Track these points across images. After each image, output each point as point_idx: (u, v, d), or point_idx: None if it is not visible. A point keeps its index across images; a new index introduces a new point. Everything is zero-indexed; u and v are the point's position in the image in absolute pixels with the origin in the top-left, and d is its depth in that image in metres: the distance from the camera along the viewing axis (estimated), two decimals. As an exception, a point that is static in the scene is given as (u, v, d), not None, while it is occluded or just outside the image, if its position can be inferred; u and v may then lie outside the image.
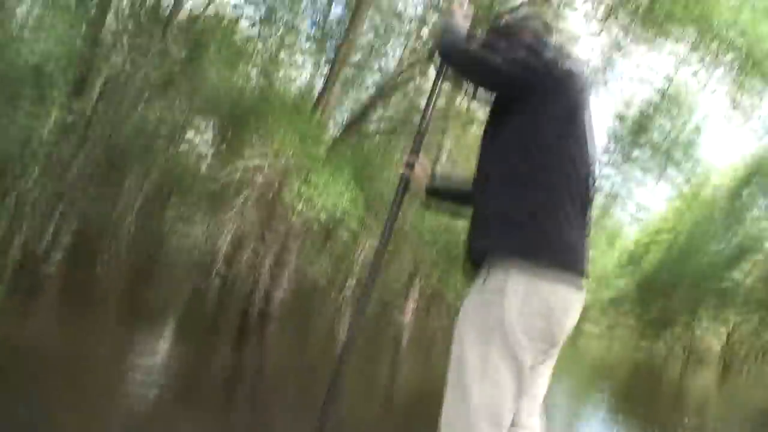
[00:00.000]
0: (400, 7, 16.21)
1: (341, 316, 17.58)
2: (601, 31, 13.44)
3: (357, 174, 10.47)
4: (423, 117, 2.59)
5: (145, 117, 12.26)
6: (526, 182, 2.00)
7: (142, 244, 12.97)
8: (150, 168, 12.36)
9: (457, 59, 2.26)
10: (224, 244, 9.48)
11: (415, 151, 2.54)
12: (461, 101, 14.84)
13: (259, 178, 9.13)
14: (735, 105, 13.67)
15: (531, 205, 1.97)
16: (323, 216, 8.81)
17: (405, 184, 2.47)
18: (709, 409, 18.12)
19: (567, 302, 1.97)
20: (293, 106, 12.50)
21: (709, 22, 9.97)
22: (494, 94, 2.25)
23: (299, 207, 8.75)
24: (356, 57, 16.52)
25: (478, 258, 2.08)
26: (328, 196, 8.91)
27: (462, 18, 2.45)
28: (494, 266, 1.97)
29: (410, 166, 2.51)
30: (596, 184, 2.15)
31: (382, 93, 15.68)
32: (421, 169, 2.56)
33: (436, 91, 2.59)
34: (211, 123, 13.80)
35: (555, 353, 2.14)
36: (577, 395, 15.94)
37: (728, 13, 10.36)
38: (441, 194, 2.61)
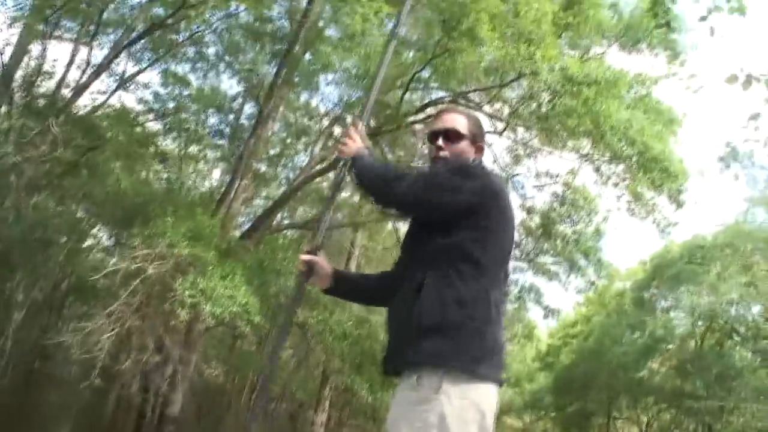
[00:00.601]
0: (313, 103, 16.46)
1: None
2: (504, 130, 13.93)
3: (259, 270, 10.25)
4: (319, 219, 2.69)
5: (39, 212, 11.74)
6: (462, 294, 2.08)
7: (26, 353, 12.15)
8: (40, 268, 11.72)
9: (395, 200, 2.36)
10: (108, 342, 8.91)
11: (311, 251, 2.56)
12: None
13: (150, 272, 8.70)
14: (631, 210, 14.28)
15: (465, 316, 2.05)
16: (218, 312, 8.40)
17: (301, 284, 2.53)
18: None
19: (494, 403, 2.10)
20: (192, 202, 12.25)
21: (601, 132, 10.50)
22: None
23: (191, 303, 8.33)
24: (267, 153, 16.52)
25: (404, 364, 2.14)
26: (224, 292, 8.54)
27: (362, 142, 2.53)
28: (428, 371, 2.04)
29: (308, 264, 2.54)
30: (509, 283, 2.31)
31: (292, 189, 15.65)
32: (319, 267, 2.59)
33: (334, 198, 2.81)
34: (109, 219, 13.32)
35: None
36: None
37: (618, 122, 10.86)
38: (340, 293, 2.70)
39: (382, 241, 22.97)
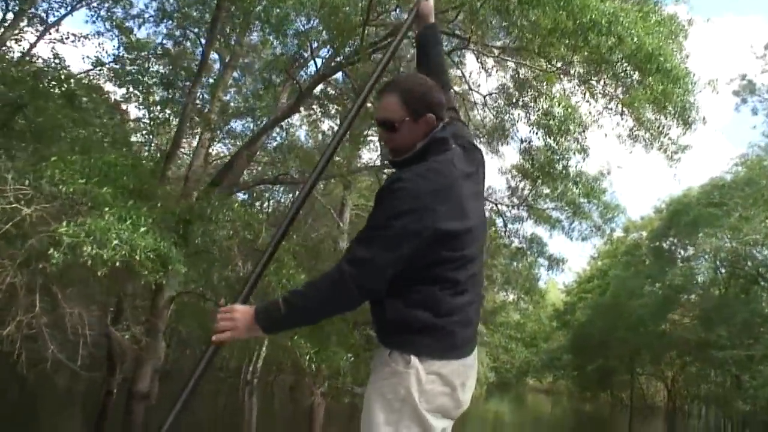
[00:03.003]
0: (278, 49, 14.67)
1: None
2: (469, 42, 12.12)
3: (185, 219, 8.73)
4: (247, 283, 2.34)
5: None
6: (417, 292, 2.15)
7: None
8: None
9: (347, 303, 2.17)
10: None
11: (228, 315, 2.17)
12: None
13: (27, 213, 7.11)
14: (634, 137, 12.49)
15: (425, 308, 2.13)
16: (107, 255, 6.79)
17: (214, 351, 2.19)
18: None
19: (466, 375, 2.19)
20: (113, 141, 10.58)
21: (581, 30, 8.71)
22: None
23: (68, 243, 6.70)
24: (220, 102, 14.92)
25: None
26: (121, 234, 6.93)
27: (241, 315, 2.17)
28: (393, 352, 2.12)
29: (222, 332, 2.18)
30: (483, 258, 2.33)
31: (253, 139, 14.08)
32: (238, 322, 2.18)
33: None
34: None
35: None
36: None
37: (601, 15, 9.03)
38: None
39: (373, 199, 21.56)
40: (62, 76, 11.74)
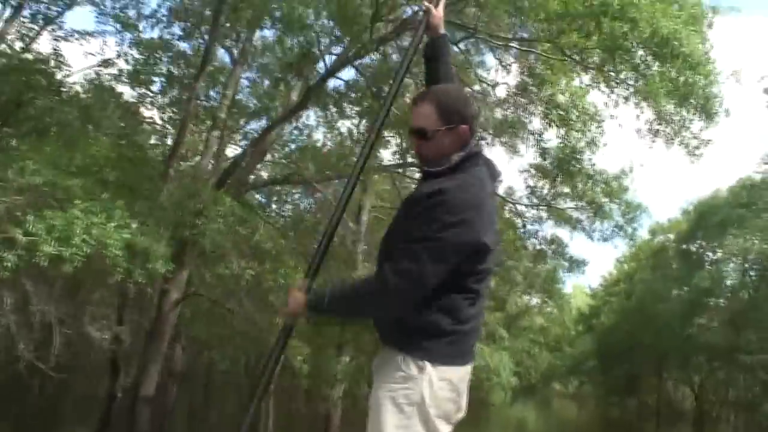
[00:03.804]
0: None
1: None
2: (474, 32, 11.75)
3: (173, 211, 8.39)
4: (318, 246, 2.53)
5: None
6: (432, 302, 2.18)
7: None
8: None
9: (393, 308, 2.22)
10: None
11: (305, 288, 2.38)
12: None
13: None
14: (654, 131, 12.02)
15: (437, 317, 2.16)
16: (67, 254, 6.42)
17: (289, 329, 2.44)
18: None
19: (467, 380, 2.27)
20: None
21: (594, 15, 8.28)
22: None
23: (25, 242, 6.34)
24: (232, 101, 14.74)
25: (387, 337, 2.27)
26: (91, 230, 6.55)
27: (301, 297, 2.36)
28: (406, 357, 2.15)
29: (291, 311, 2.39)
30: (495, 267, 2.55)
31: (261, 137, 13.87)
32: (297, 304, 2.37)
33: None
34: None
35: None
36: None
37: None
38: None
39: (391, 201, 21.35)
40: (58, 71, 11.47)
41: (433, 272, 2.12)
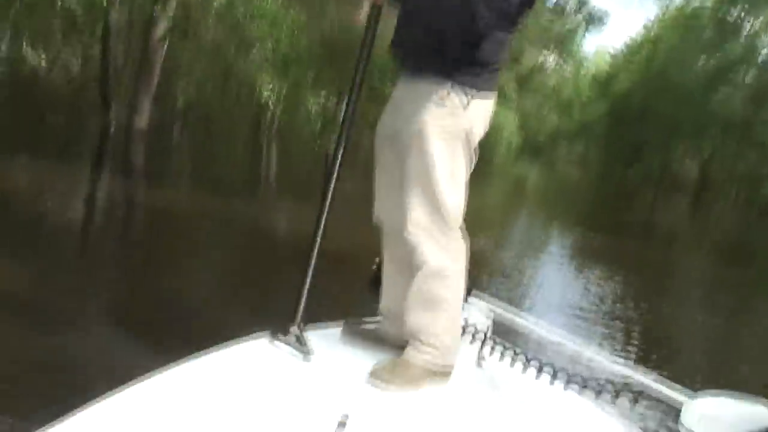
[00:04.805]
0: None
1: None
2: None
3: None
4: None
5: None
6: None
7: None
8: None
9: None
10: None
11: None
12: None
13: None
14: None
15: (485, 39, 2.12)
16: None
17: (377, 11, 2.22)
18: (678, 238, 16.65)
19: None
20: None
21: None
22: None
23: None
24: None
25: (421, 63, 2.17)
26: None
27: None
28: (455, 86, 2.12)
29: None
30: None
31: None
32: None
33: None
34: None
35: None
36: (543, 221, 14.60)
37: None
38: None
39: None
40: None
41: None
